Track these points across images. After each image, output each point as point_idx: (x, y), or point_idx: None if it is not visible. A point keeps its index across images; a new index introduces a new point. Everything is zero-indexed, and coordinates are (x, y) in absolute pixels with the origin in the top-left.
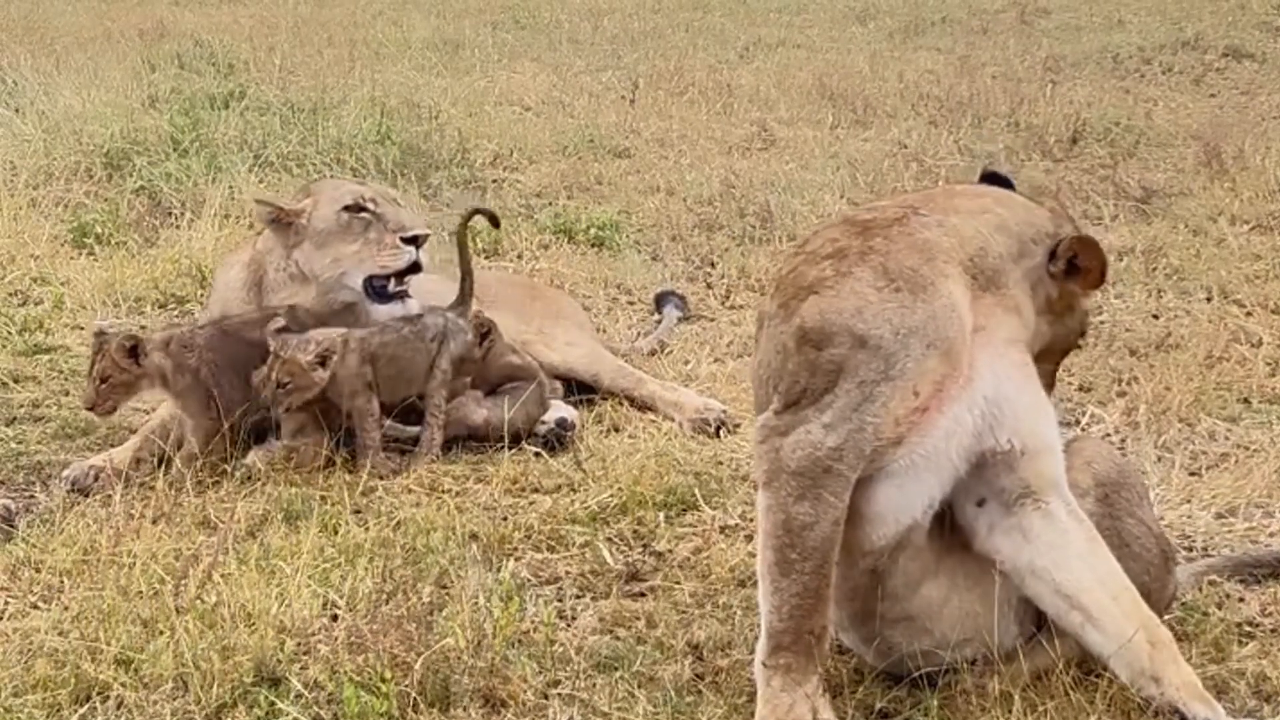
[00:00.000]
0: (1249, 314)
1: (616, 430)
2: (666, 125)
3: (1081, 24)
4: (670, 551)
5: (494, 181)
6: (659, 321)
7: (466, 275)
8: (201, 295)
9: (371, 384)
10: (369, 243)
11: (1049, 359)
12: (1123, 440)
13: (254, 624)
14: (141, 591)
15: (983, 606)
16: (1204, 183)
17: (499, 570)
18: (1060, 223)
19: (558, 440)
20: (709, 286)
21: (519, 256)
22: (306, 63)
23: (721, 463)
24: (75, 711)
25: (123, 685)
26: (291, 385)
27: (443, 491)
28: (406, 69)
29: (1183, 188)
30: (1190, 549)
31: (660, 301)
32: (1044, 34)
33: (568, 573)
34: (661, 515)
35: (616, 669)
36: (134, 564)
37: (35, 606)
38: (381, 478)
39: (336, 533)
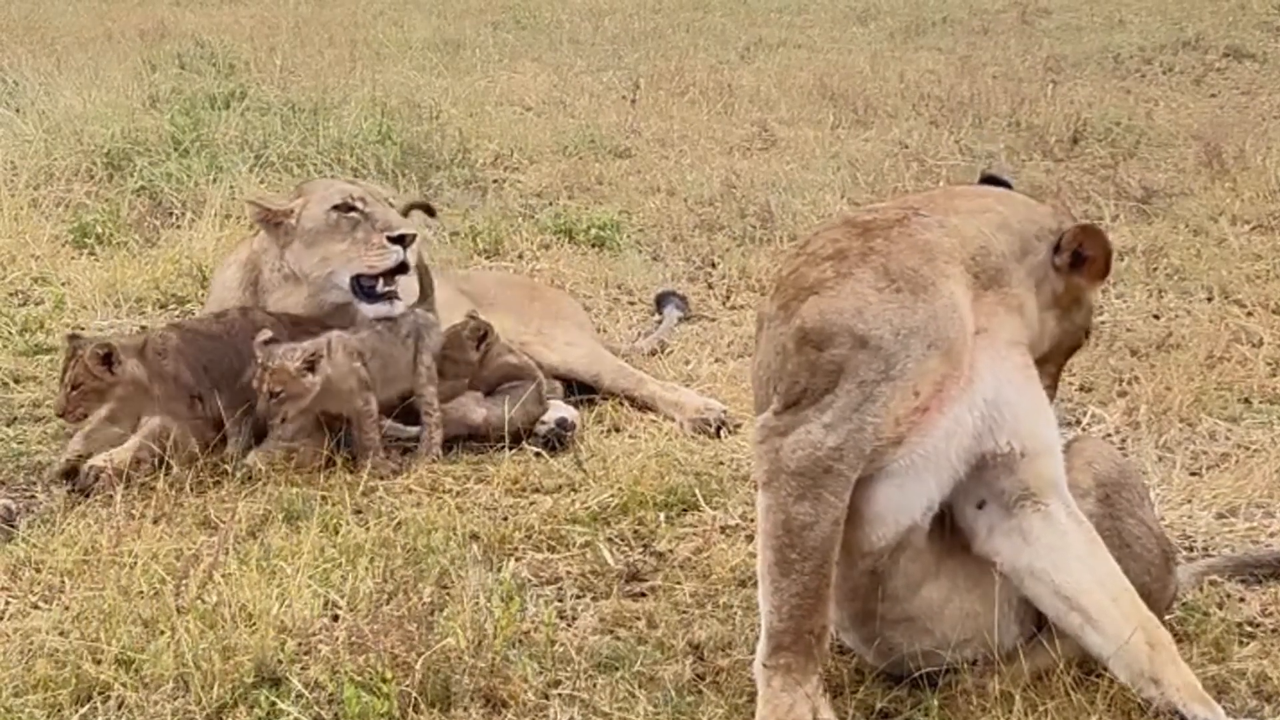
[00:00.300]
0: (1250, 314)
1: (617, 430)
2: (667, 125)
3: (1082, 24)
4: (671, 552)
5: (495, 181)
6: (659, 322)
7: (424, 272)
8: (202, 295)
9: (368, 382)
10: (356, 242)
11: (1054, 358)
12: (1123, 440)
13: (255, 624)
14: (142, 591)
15: (983, 607)
16: (1205, 183)
17: (500, 570)
18: (1062, 219)
19: (558, 440)
20: (710, 287)
21: (520, 256)
22: (307, 63)
23: (722, 463)
24: (76, 711)
25: (123, 685)
26: (284, 394)
27: (443, 491)
28: (407, 69)
29: (1183, 188)
30: (1191, 549)
31: (661, 302)
32: (1045, 34)
33: (568, 573)
34: (662, 515)
35: (617, 669)
36: (135, 564)
37: (36, 606)
38: (382, 478)
39: (337, 533)
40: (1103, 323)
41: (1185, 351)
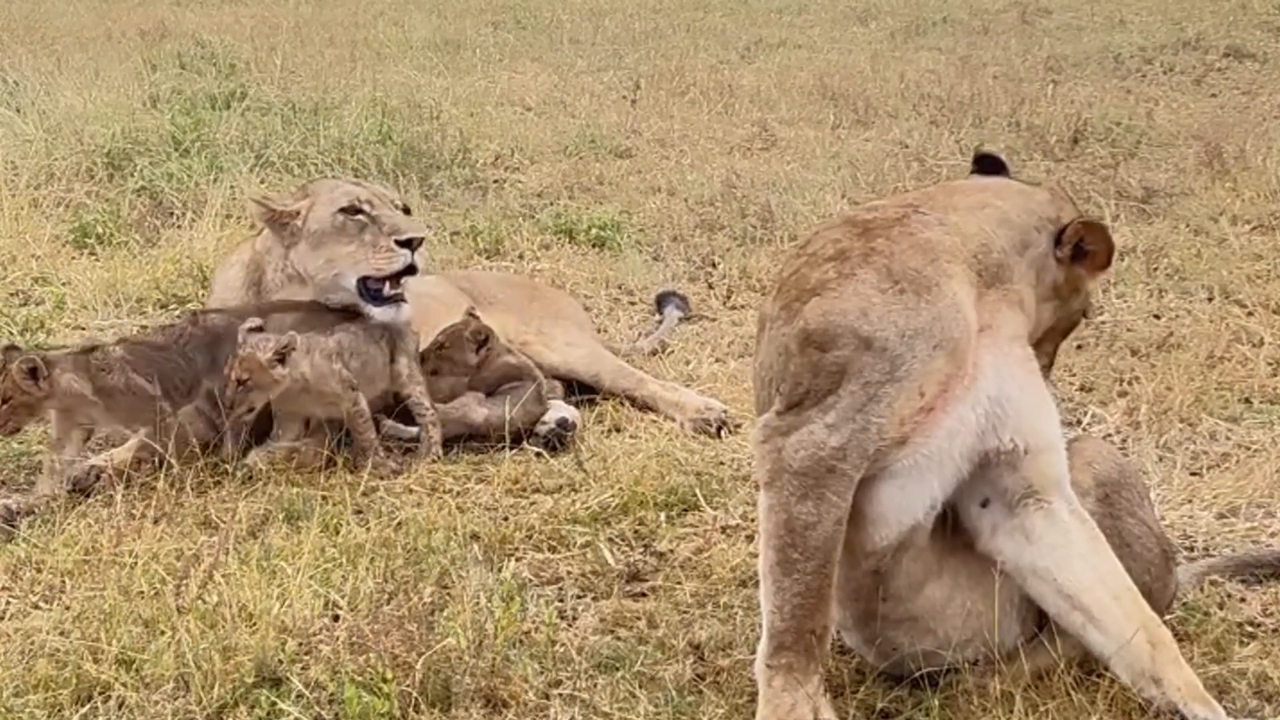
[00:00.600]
0: (1250, 314)
1: (617, 430)
2: (668, 125)
3: (1083, 24)
4: (671, 552)
5: (495, 181)
6: (660, 322)
7: None
8: (203, 295)
9: (353, 383)
10: (364, 245)
11: (1052, 339)
12: (1124, 440)
13: (255, 624)
14: (143, 591)
15: (985, 606)
16: (1205, 183)
17: (500, 570)
18: (1060, 205)
19: (559, 440)
20: (710, 287)
21: (520, 256)
22: (308, 63)
23: (723, 463)
24: (76, 711)
25: (124, 685)
26: (251, 382)
27: (444, 492)
28: (407, 69)
29: (1184, 188)
30: (1191, 549)
31: (661, 302)
32: (1045, 34)
33: (569, 573)
34: (663, 515)
35: (618, 669)
36: (135, 564)
37: (36, 606)
38: (383, 478)
39: (338, 533)
40: (1103, 323)
41: (1186, 351)
